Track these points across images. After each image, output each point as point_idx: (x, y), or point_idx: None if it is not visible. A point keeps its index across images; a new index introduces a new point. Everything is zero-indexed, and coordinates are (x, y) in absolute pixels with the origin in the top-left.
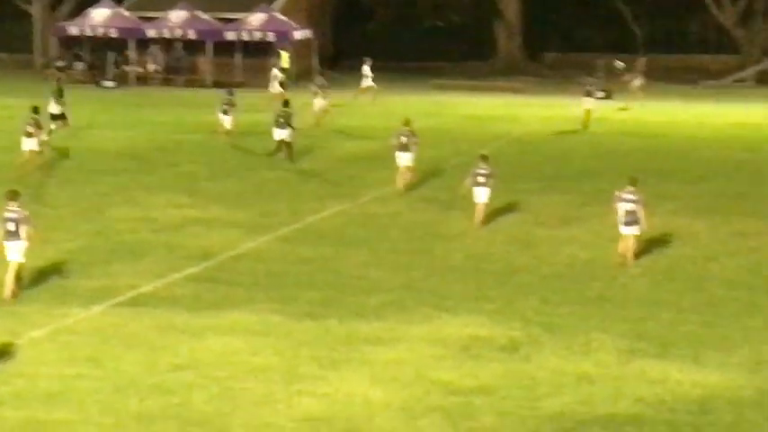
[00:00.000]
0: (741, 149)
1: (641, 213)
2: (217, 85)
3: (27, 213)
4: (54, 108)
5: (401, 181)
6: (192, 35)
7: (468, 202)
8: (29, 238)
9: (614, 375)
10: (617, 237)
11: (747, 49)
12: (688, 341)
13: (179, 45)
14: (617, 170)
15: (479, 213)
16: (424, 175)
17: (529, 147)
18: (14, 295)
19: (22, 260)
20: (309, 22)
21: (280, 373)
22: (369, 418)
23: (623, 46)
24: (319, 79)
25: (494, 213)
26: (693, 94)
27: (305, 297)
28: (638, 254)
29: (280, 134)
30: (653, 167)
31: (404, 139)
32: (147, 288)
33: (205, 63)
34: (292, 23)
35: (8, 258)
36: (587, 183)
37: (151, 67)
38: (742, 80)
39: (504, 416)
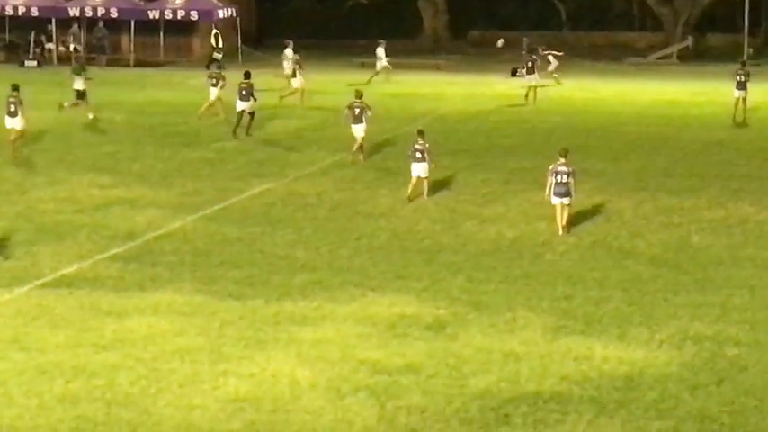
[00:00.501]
0: (665, 126)
1: (573, 184)
2: (139, 64)
3: None
4: None
5: (357, 154)
6: (114, 14)
7: (394, 181)
8: None
9: (540, 353)
10: (543, 215)
11: (671, 26)
12: (614, 318)
13: (101, 24)
14: (541, 148)
15: (415, 188)
16: (350, 154)
17: (454, 125)
18: None
19: None
20: (233, 1)
21: (205, 353)
22: (295, 398)
23: (547, 23)
24: (293, 55)
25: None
26: (618, 71)
27: (230, 277)
28: (565, 229)
29: (241, 105)
30: (577, 144)
31: (357, 111)
32: (70, 269)
33: (127, 42)
34: (215, 1)
35: None
36: (512, 160)
37: (72, 46)
38: (666, 57)
39: (431, 394)
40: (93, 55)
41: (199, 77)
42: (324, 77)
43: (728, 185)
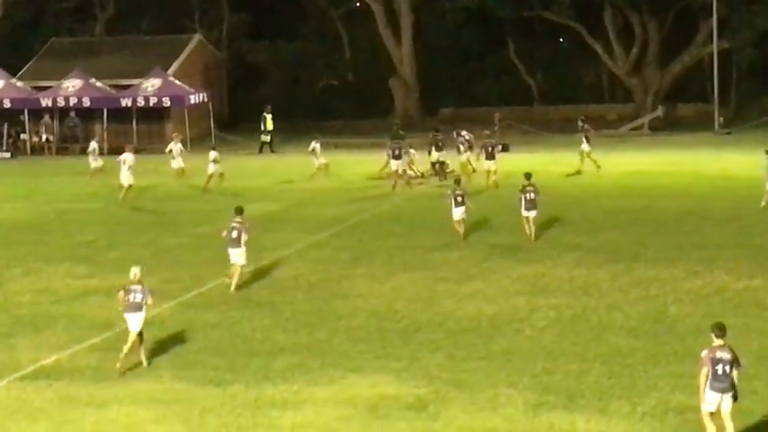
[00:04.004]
0: (638, 197)
1: (538, 200)
2: (113, 151)
3: None
4: None
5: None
6: (86, 103)
7: (371, 261)
8: None
9: (523, 429)
10: (521, 290)
11: (641, 97)
12: (595, 392)
13: (73, 113)
14: (517, 223)
15: None
16: (325, 236)
17: (425, 203)
18: None
19: None
20: (204, 86)
21: None
22: None
23: (518, 98)
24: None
25: (395, 270)
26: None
27: (210, 363)
28: (542, 307)
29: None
30: (553, 217)
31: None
32: (49, 360)
33: (100, 130)
34: (187, 88)
35: None
36: (488, 236)
37: (45, 136)
38: (638, 128)
39: None
40: (67, 144)
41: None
42: (294, 159)
43: (703, 255)
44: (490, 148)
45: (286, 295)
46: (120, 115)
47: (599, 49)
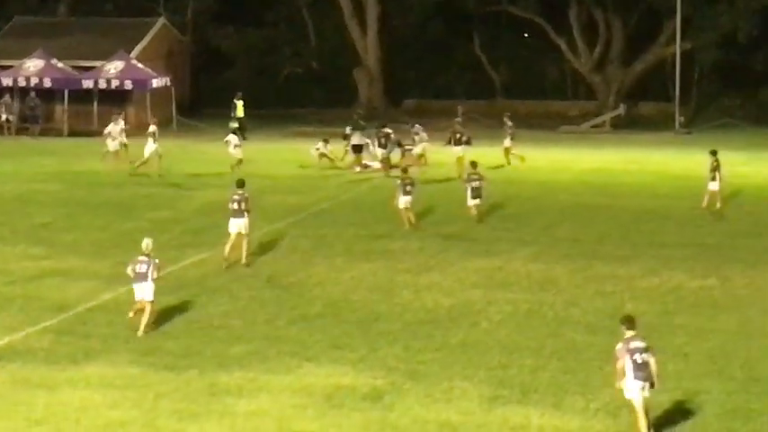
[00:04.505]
0: (598, 194)
1: (483, 188)
2: (73, 133)
3: None
4: None
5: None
6: (47, 83)
7: (330, 250)
8: None
9: (477, 423)
10: (478, 282)
11: (604, 95)
12: (549, 387)
13: (33, 93)
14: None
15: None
16: (285, 224)
17: (387, 193)
18: None
19: None
20: (167, 70)
21: (138, 426)
22: None
23: (482, 92)
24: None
25: (354, 260)
26: (552, 140)
27: (165, 348)
28: (499, 301)
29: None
30: (512, 212)
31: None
32: (2, 342)
33: (61, 111)
34: (150, 71)
35: None
36: (446, 228)
37: (4, 116)
38: (599, 126)
39: None
40: (27, 125)
41: (133, 147)
42: (260, 146)
43: (661, 253)
44: (458, 136)
45: (244, 282)
46: (81, 97)
47: (563, 45)
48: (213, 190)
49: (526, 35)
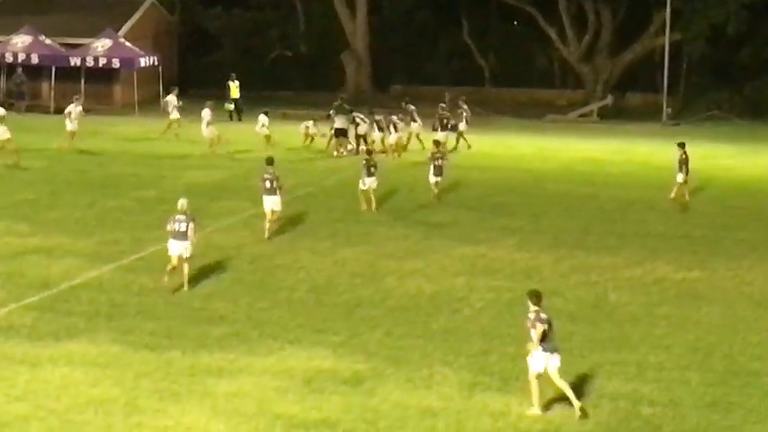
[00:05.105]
0: (584, 184)
1: (445, 166)
2: (59, 111)
3: None
4: None
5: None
6: (34, 60)
7: (315, 234)
8: None
9: (457, 409)
10: (461, 270)
11: (592, 85)
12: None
13: (20, 70)
14: (461, 203)
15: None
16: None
17: None
18: None
19: None
20: (155, 50)
21: (119, 405)
22: None
23: (470, 79)
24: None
25: (338, 245)
26: (539, 128)
27: (147, 328)
28: (482, 288)
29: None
30: (497, 201)
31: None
32: None
33: (47, 88)
34: (138, 50)
35: None
36: (432, 215)
37: None
38: (586, 115)
39: None
40: (12, 101)
41: (119, 125)
42: (243, 128)
43: (646, 244)
44: (445, 121)
45: (227, 264)
46: (68, 74)
47: (552, 34)
48: (199, 171)
49: (516, 23)
